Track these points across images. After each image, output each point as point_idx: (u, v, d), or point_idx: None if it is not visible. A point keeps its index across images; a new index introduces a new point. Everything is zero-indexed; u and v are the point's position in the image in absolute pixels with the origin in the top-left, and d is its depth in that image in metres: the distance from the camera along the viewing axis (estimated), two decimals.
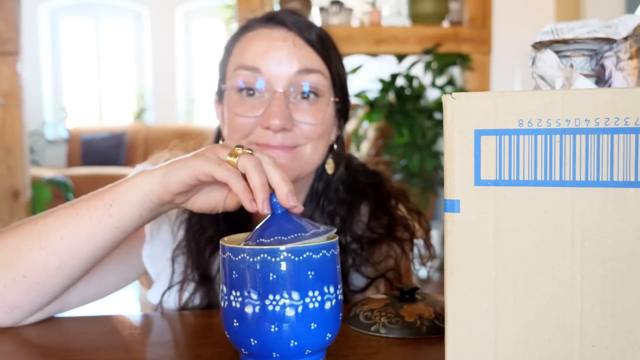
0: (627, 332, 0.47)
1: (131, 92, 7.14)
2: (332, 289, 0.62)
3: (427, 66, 2.94)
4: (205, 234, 0.93)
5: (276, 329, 0.59)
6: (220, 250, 0.63)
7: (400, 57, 3.06)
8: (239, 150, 0.68)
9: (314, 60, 0.91)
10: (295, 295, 0.60)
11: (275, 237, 0.61)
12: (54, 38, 6.94)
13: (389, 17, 3.04)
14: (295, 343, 0.60)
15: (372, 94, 3.06)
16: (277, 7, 2.84)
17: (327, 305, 0.62)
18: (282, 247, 0.59)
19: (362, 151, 3.50)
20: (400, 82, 3.01)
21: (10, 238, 0.76)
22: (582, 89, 0.52)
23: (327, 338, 0.63)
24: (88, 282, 0.85)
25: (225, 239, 0.65)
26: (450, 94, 0.50)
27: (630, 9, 2.66)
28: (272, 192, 0.66)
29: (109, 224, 0.74)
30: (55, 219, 0.75)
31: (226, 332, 0.64)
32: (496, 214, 0.49)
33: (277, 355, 0.61)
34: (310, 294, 0.60)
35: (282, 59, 0.89)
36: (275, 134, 0.88)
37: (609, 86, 0.64)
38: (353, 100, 3.04)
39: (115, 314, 0.86)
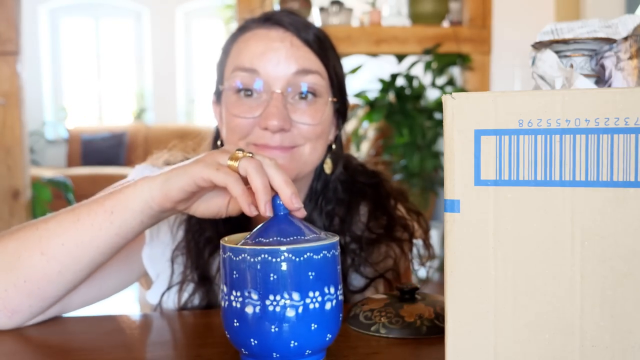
0: (627, 332, 0.47)
1: (131, 92, 7.15)
2: (332, 290, 0.62)
3: (427, 66, 2.94)
4: (205, 234, 0.93)
5: (276, 329, 0.59)
6: (221, 250, 0.63)
7: (400, 57, 3.06)
8: (240, 154, 0.68)
9: (312, 60, 0.91)
10: (296, 296, 0.60)
11: (274, 238, 0.61)
12: (54, 38, 6.94)
13: (389, 17, 3.05)
14: (296, 343, 0.60)
15: (372, 94, 3.06)
16: (277, 7, 2.84)
17: (328, 305, 0.62)
18: (283, 248, 0.59)
19: (362, 151, 3.50)
20: (400, 82, 3.01)
21: (10, 242, 0.76)
22: (582, 89, 0.52)
23: (327, 338, 0.63)
24: (89, 284, 0.85)
25: (226, 238, 0.65)
26: (450, 94, 0.50)
27: (630, 9, 2.66)
28: (274, 195, 0.66)
29: (110, 231, 0.73)
30: (56, 224, 0.75)
31: (226, 332, 0.64)
32: (496, 214, 0.49)
33: (277, 355, 0.61)
34: (311, 294, 0.60)
35: (280, 60, 0.89)
36: (273, 135, 0.88)
37: (609, 86, 0.64)
38: (353, 100, 3.05)
39: (116, 314, 0.86)
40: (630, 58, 0.63)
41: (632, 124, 0.45)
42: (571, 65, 0.64)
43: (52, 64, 6.92)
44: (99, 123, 7.05)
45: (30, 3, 6.45)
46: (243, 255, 0.60)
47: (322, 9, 2.95)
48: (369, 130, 3.62)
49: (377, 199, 1.02)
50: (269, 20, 0.92)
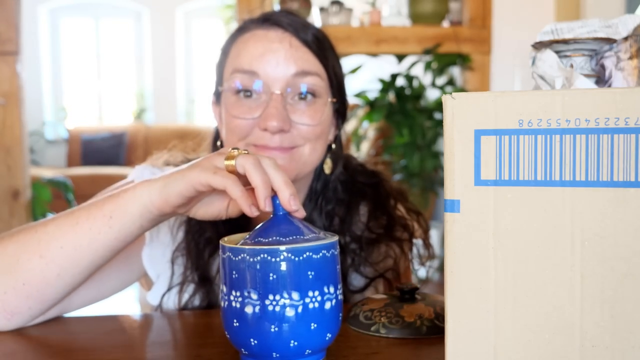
0: (627, 332, 0.47)
1: (131, 92, 7.14)
2: (332, 289, 0.62)
3: (427, 66, 2.94)
4: (205, 235, 0.93)
5: (276, 329, 0.59)
6: (220, 250, 0.63)
7: (400, 57, 3.06)
8: (235, 152, 0.68)
9: (311, 61, 0.91)
10: (295, 295, 0.60)
11: (274, 238, 0.61)
12: (54, 38, 6.94)
13: (389, 17, 3.04)
14: (295, 343, 0.60)
15: (372, 94, 3.06)
16: (277, 7, 2.84)
17: (327, 305, 0.62)
18: (283, 247, 0.59)
19: (362, 151, 3.50)
20: (400, 82, 3.01)
21: (10, 245, 0.76)
22: (582, 89, 0.52)
23: (327, 338, 0.63)
24: (89, 285, 0.85)
25: (225, 238, 0.65)
26: (450, 94, 0.50)
27: (630, 9, 2.66)
28: (273, 195, 0.65)
29: (109, 235, 0.73)
30: (55, 228, 0.75)
31: (226, 332, 0.64)
32: (496, 214, 0.49)
33: (277, 355, 0.61)
34: (310, 294, 0.60)
35: (279, 61, 0.89)
36: (273, 136, 0.88)
37: (609, 86, 0.64)
38: (353, 100, 3.05)
39: (116, 314, 0.86)
40: (631, 58, 0.63)
41: (632, 124, 0.45)
42: (571, 65, 0.64)
43: (52, 64, 6.92)
44: (99, 123, 7.05)
45: (30, 3, 6.45)
46: (242, 255, 0.60)
47: (322, 9, 2.95)
48: (369, 130, 3.62)
49: (377, 198, 1.02)
50: (267, 20, 0.92)
